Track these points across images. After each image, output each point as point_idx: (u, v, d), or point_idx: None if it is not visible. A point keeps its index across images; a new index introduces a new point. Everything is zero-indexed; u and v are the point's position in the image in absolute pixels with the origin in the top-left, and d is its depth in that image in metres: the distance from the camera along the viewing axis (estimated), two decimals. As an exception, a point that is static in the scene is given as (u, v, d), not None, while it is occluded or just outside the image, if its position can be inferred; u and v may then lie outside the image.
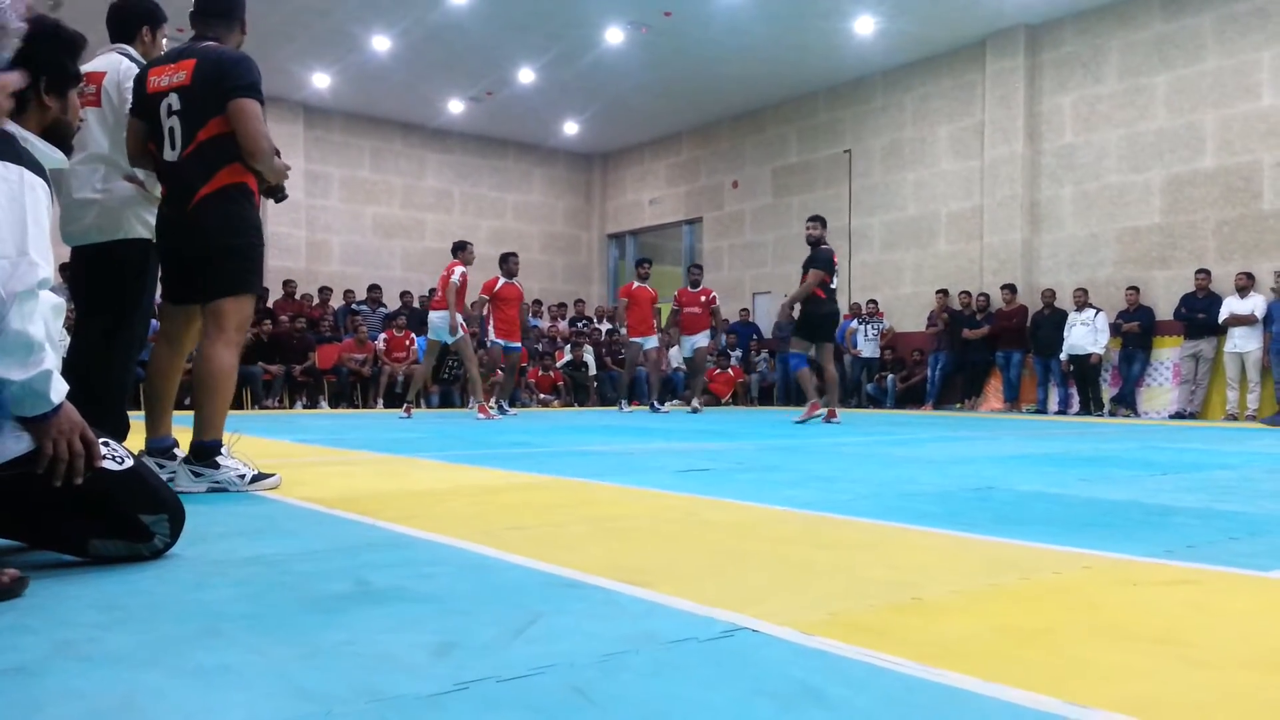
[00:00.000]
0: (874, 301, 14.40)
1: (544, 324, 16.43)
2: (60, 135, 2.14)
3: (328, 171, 16.79)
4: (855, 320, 14.22)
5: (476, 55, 14.10)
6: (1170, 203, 11.65)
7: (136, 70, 3.55)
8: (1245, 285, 10.42)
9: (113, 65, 3.73)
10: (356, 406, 12.96)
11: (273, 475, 3.29)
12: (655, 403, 11.55)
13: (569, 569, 1.92)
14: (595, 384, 14.73)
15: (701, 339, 11.42)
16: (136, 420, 3.63)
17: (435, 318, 9.93)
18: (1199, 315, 10.73)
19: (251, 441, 5.05)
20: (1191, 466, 4.44)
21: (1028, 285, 12.85)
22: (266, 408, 12.12)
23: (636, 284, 11.54)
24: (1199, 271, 10.89)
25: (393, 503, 2.98)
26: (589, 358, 14.74)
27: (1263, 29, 10.90)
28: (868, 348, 14.08)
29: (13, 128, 1.98)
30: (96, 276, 3.71)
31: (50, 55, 2.10)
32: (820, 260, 8.63)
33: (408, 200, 17.79)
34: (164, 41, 3.91)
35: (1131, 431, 7.89)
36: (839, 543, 2.32)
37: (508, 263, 10.42)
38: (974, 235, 13.61)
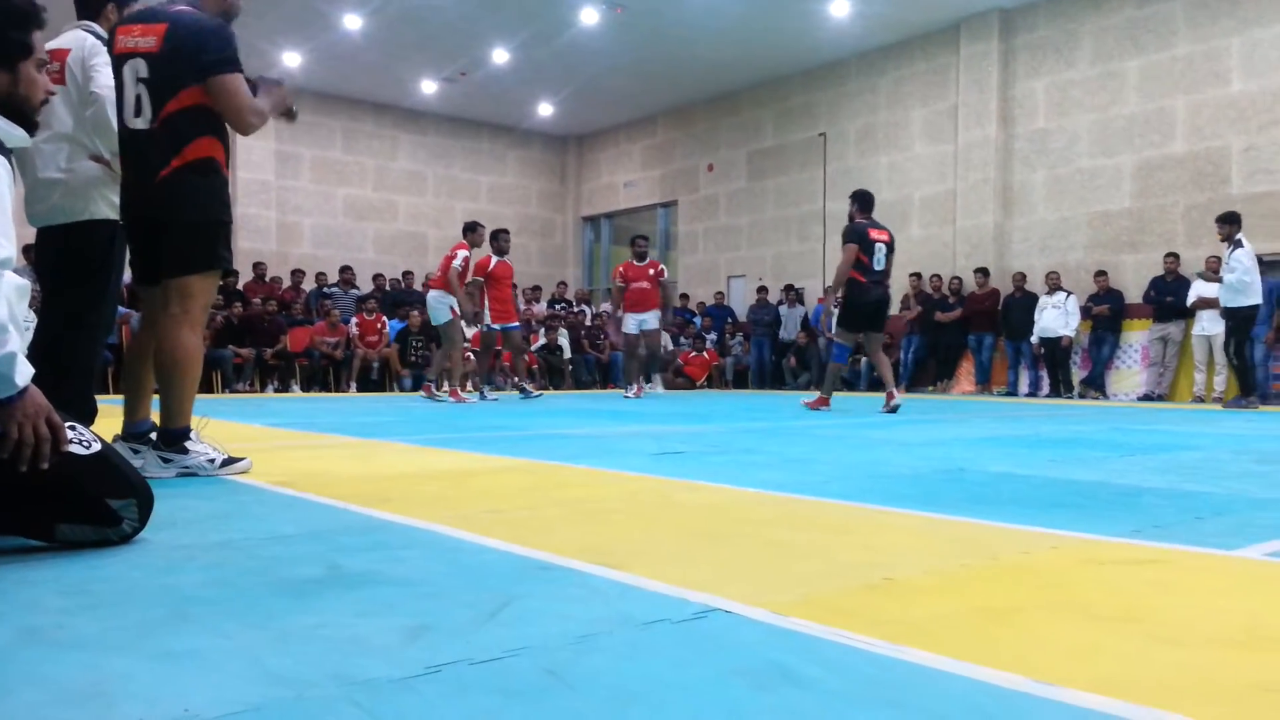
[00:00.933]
0: (848, 285, 14.43)
1: (520, 306, 16.35)
2: (18, 111, 2.07)
3: (298, 152, 16.60)
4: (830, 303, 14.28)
5: (450, 35, 13.96)
6: (1140, 187, 11.77)
7: (103, 46, 3.48)
8: (1214, 269, 10.54)
9: (77, 42, 3.66)
10: (329, 390, 12.87)
11: (243, 459, 3.25)
12: (648, 385, 11.27)
13: (542, 551, 1.91)
14: (570, 368, 14.71)
15: (651, 318, 10.54)
16: (105, 404, 3.59)
17: (431, 298, 9.68)
18: (1168, 299, 10.86)
19: (221, 425, 5.01)
20: (1159, 448, 4.50)
21: (1000, 269, 12.95)
22: (237, 391, 12.01)
23: (636, 264, 10.91)
24: (1168, 255, 11.02)
25: (365, 486, 2.96)
26: (564, 341, 14.71)
27: (1232, 15, 11.00)
28: (842, 331, 14.11)
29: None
30: (63, 258, 3.65)
31: None
32: (851, 235, 7.72)
33: (380, 182, 17.63)
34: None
35: (1101, 413, 7.99)
36: (812, 524, 2.33)
37: (498, 239, 9.98)
38: (947, 219, 13.68)
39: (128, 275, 3.53)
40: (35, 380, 1.84)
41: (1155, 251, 11.41)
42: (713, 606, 1.49)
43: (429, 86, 16.45)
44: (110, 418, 3.56)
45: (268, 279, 14.37)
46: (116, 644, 1.29)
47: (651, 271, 10.58)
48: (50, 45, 3.53)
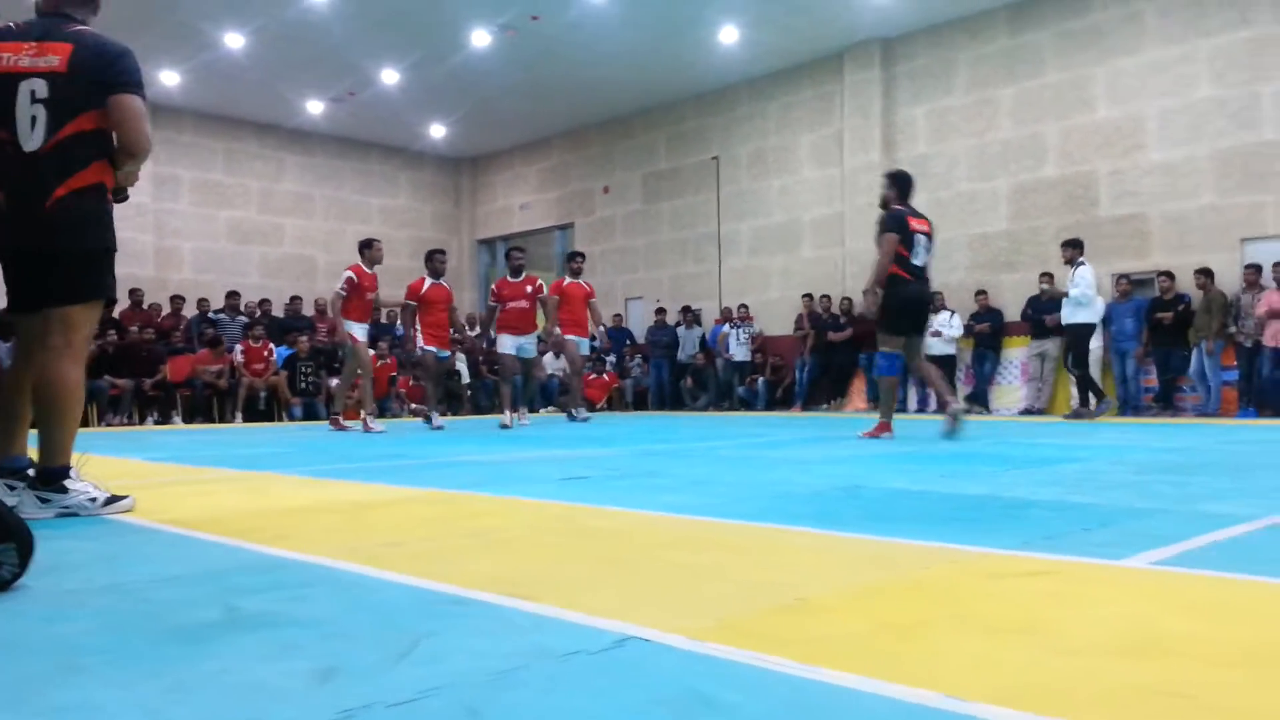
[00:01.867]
0: (744, 306, 14.71)
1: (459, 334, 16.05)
2: None
3: (177, 174, 16.01)
4: (727, 324, 14.51)
5: (337, 54, 13.70)
6: (1016, 210, 12.34)
7: None
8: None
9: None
10: (213, 422, 12.39)
11: (126, 497, 3.10)
12: (574, 410, 10.46)
13: (451, 585, 1.88)
14: (469, 393, 14.52)
15: (530, 342, 9.50)
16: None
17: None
18: (1044, 317, 11.38)
19: (101, 462, 4.77)
20: (1043, 461, 4.71)
21: (887, 289, 13.35)
22: (113, 425, 11.45)
23: (569, 279, 10.26)
24: (1043, 275, 11.55)
25: (258, 522, 2.86)
26: (462, 366, 14.52)
27: (1098, 45, 11.68)
28: (739, 351, 14.36)
29: None
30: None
31: None
32: (890, 223, 6.70)
33: (265, 204, 17.14)
34: None
35: (986, 428, 8.32)
36: (720, 546, 2.35)
37: (433, 261, 9.30)
38: (836, 241, 14.07)
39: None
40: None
41: (1031, 271, 11.96)
42: (629, 635, 1.49)
43: (315, 106, 16.10)
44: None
45: (145, 306, 13.76)
46: (2, 701, 1.21)
47: (529, 289, 9.41)
48: None
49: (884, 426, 6.85)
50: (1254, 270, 10.19)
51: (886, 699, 1.19)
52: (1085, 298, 9.59)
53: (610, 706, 1.17)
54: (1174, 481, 3.63)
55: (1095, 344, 10.86)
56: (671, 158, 16.39)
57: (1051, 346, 11.44)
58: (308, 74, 14.58)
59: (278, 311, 14.87)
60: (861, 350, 13.12)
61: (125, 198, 3.29)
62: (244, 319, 14.07)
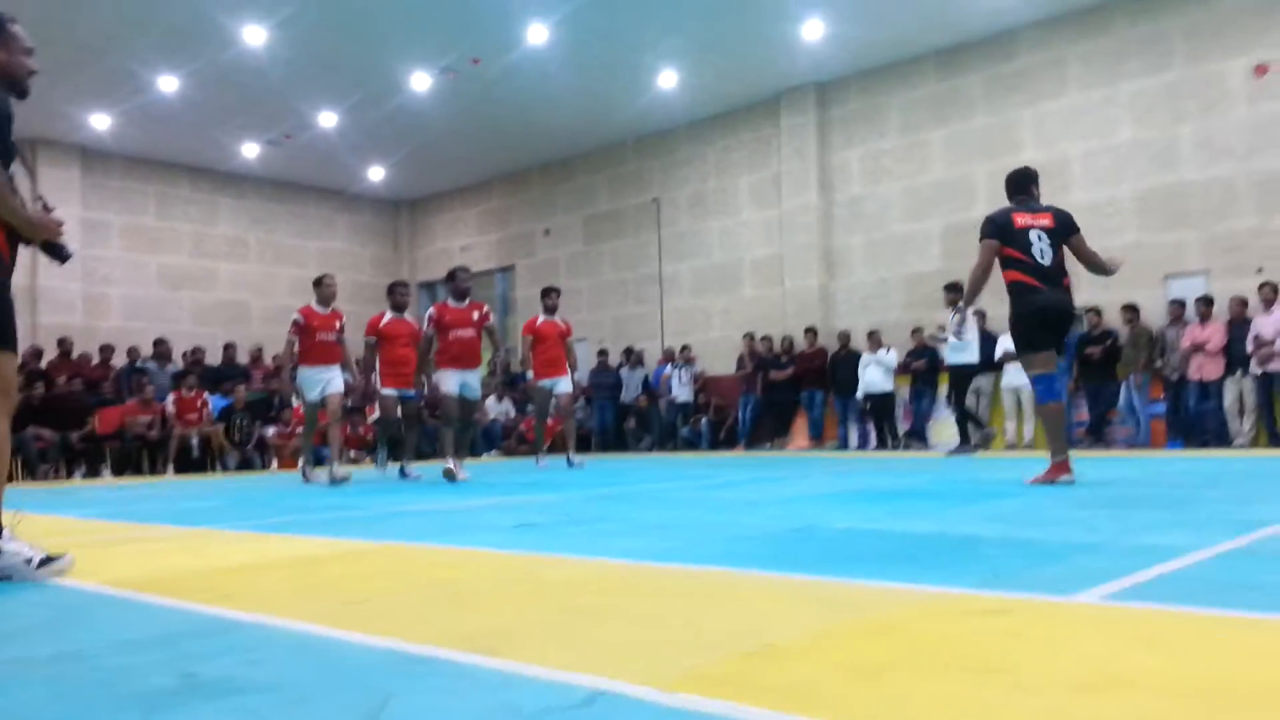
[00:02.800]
0: (687, 346, 14.80)
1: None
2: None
3: (107, 219, 15.67)
4: (669, 365, 14.57)
5: (273, 97, 13.59)
6: (948, 249, 12.65)
7: None
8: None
9: None
10: (144, 474, 12.02)
11: (63, 556, 2.99)
12: (571, 456, 10.02)
13: (413, 643, 1.85)
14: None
15: (475, 379, 8.26)
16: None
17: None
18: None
19: (31, 519, 4.60)
20: (984, 496, 4.79)
21: (826, 328, 13.58)
22: (40, 479, 11.05)
23: (542, 318, 9.66)
24: (976, 313, 11.82)
25: (204, 581, 2.78)
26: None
27: (1024, 89, 12.11)
28: (682, 392, 14.41)
29: None
30: None
31: None
32: (986, 228, 5.86)
33: (198, 249, 16.84)
34: None
35: (925, 464, 8.45)
36: (680, 592, 2.35)
37: (394, 293, 8.81)
38: (776, 281, 14.27)
39: None
40: None
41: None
42: (600, 689, 1.48)
43: (251, 149, 15.92)
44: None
45: (74, 356, 13.35)
46: (-53, 786, 1.16)
47: (476, 315, 8.23)
48: None
49: (1061, 468, 5.42)
50: (1178, 306, 10.58)
51: (862, 747, 1.20)
52: (966, 343, 9.78)
53: (590, 765, 1.16)
54: (1114, 515, 3.72)
55: (1022, 380, 11.12)
56: (612, 200, 16.52)
57: (985, 383, 11.68)
58: (243, 117, 14.43)
59: (213, 358, 14.52)
60: (802, 389, 13.27)
61: (66, 255, 3.11)
62: (175, 368, 13.71)
